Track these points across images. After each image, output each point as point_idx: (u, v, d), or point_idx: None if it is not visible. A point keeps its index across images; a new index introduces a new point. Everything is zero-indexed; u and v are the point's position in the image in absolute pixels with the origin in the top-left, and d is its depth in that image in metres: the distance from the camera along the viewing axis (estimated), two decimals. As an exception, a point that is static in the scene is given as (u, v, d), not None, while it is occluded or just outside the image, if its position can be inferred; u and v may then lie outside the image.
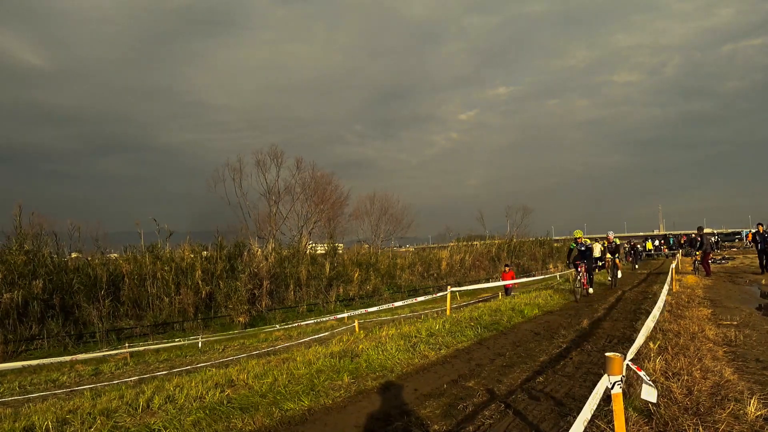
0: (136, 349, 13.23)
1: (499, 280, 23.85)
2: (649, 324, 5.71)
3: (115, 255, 22.42)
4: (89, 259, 20.41)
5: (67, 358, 9.68)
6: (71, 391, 9.53)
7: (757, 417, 4.32)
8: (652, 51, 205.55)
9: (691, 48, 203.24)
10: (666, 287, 10.97)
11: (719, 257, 30.28)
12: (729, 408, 4.47)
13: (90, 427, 4.89)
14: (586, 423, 2.83)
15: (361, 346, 8.34)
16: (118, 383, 9.21)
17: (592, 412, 3.00)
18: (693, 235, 21.94)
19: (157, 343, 15.34)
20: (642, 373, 4.04)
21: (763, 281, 16.93)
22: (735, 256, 33.51)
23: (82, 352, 13.91)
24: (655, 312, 6.75)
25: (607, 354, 3.36)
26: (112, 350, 14.03)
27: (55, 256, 19.08)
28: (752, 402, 4.51)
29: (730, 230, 68.41)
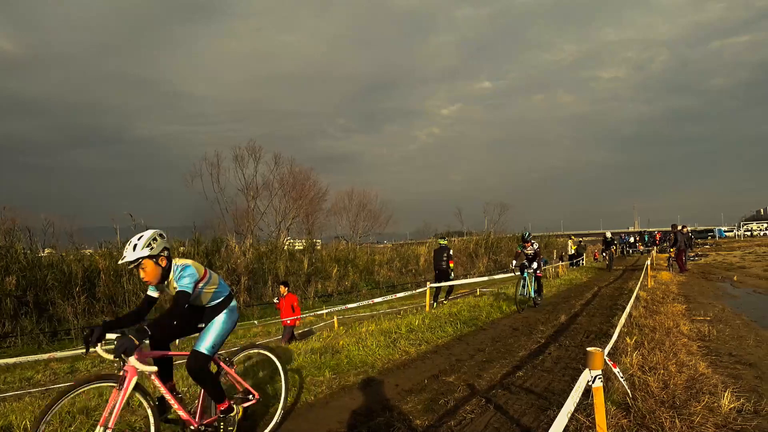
0: (114, 346, 13.07)
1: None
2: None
3: (90, 250, 22.11)
4: (64, 254, 20.09)
5: (44, 356, 9.51)
6: (47, 389, 9.39)
7: (730, 409, 4.43)
8: (641, 46, 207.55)
9: (680, 44, 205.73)
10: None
11: (693, 254, 30.83)
12: (704, 401, 4.58)
13: (69, 426, 4.83)
14: (569, 415, 2.89)
15: (341, 342, 8.35)
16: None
17: (575, 405, 3.06)
18: (673, 233, 22.13)
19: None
20: (617, 370, 4.13)
21: (735, 278, 17.30)
22: (708, 253, 34.16)
23: (56, 350, 13.68)
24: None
25: (588, 349, 3.43)
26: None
27: (29, 251, 18.75)
28: (726, 395, 4.62)
29: (702, 228, 69.77)
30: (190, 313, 4.38)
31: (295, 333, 13.07)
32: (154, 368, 4.14)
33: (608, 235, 28.71)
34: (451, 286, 16.95)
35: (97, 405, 5.47)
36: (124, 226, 23.06)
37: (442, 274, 16.45)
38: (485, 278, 22.40)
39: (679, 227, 21.90)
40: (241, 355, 4.92)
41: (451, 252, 16.87)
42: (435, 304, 14.77)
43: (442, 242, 17.50)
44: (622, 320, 6.70)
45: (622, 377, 4.18)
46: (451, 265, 16.73)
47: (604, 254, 31.64)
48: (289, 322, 12.70)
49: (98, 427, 3.64)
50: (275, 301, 13.53)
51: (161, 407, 4.19)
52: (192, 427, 4.12)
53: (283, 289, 13.30)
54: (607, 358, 3.96)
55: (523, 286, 12.78)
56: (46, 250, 21.14)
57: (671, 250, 21.93)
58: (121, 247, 21.04)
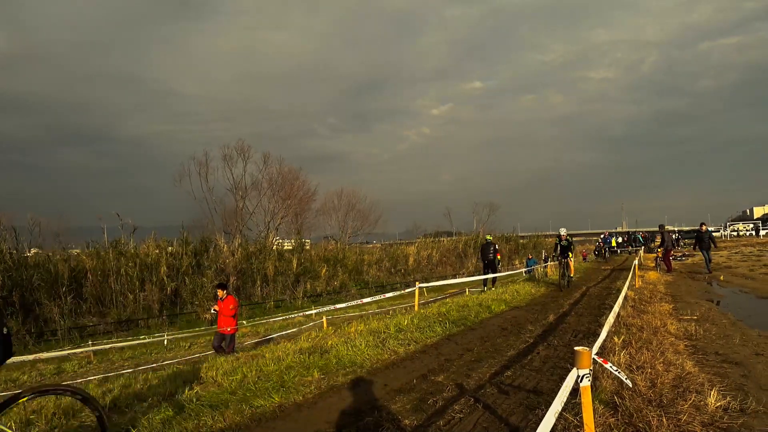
0: (101, 347, 12.97)
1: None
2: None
3: (77, 250, 21.94)
4: (50, 254, 19.92)
5: (30, 357, 9.43)
6: (32, 390, 9.30)
7: (716, 408, 4.46)
8: (631, 47, 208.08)
9: (669, 45, 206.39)
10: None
11: (680, 254, 31.03)
12: (690, 399, 4.61)
13: (55, 428, 4.79)
14: (557, 414, 2.90)
15: (330, 342, 8.34)
16: (82, 382, 9.03)
17: (563, 404, 3.06)
18: (660, 233, 21.76)
19: (121, 341, 15.06)
20: (608, 365, 4.14)
21: (721, 277, 17.44)
22: (695, 253, 34.37)
23: (43, 351, 13.57)
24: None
25: (576, 348, 3.44)
26: (75, 348, 13.73)
27: (14, 251, 18.57)
28: (712, 393, 4.66)
29: (689, 228, 70.23)
30: None
31: (223, 344, 11.51)
32: None
33: (563, 233, 17.72)
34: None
35: (84, 406, 5.43)
36: (111, 225, 22.93)
37: (490, 265, 19.44)
38: (474, 278, 22.50)
39: (703, 227, 20.55)
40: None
41: (497, 246, 20.09)
42: (485, 289, 17.87)
43: (488, 238, 20.97)
44: (610, 319, 6.73)
45: (616, 370, 4.19)
46: (498, 257, 20.47)
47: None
48: (229, 330, 11.39)
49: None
50: (213, 311, 11.69)
51: None
52: None
53: (221, 292, 11.70)
54: (596, 356, 3.97)
55: None
56: (33, 250, 20.95)
57: (659, 250, 22.07)
58: (108, 246, 20.92)
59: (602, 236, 41.66)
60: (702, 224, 20.84)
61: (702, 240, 20.28)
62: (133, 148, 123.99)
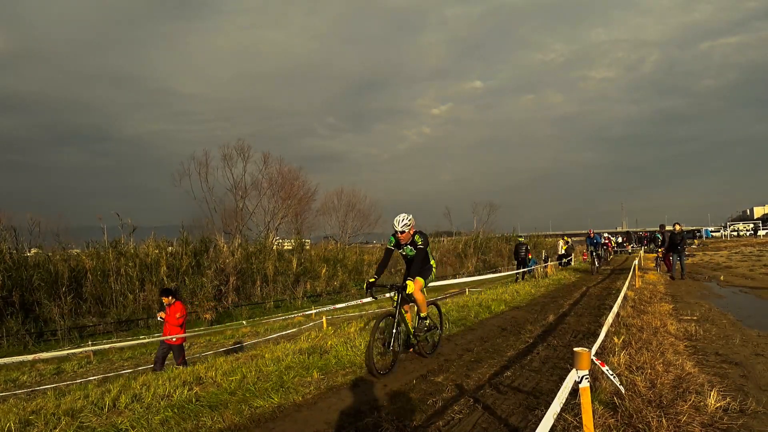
0: (100, 347, 12.96)
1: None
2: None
3: (77, 250, 21.94)
4: (50, 254, 19.91)
5: (29, 357, 9.41)
6: (32, 390, 9.30)
7: (716, 408, 4.46)
8: (632, 47, 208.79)
9: (670, 45, 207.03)
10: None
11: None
12: (690, 400, 4.61)
13: (54, 428, 4.77)
14: (555, 416, 2.89)
15: (329, 342, 8.32)
16: (81, 382, 9.02)
17: (562, 405, 3.06)
18: (661, 233, 21.20)
19: (121, 341, 15.06)
20: (605, 369, 4.14)
21: (722, 277, 17.44)
22: (695, 253, 34.40)
23: (42, 351, 13.56)
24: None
25: (575, 349, 3.44)
26: (75, 348, 13.72)
27: (14, 251, 18.57)
28: (712, 394, 4.65)
29: (689, 228, 70.22)
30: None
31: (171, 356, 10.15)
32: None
33: (399, 227, 7.22)
34: (527, 270, 23.78)
35: (83, 406, 5.43)
36: (111, 225, 22.93)
37: (522, 262, 24.10)
38: (475, 278, 22.56)
39: (677, 227, 18.63)
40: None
41: (528, 247, 25.30)
42: (518, 281, 21.53)
43: (521, 239, 26.01)
44: (609, 320, 6.73)
45: (612, 374, 4.20)
46: (530, 256, 25.57)
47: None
48: (175, 340, 9.88)
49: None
50: (159, 319, 10.19)
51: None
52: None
53: (166, 299, 10.04)
54: (594, 358, 3.96)
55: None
56: (32, 250, 20.93)
57: (659, 250, 22.02)
58: (108, 246, 20.91)
59: (588, 235, 26.09)
60: (675, 224, 18.70)
61: (675, 243, 18.09)
62: (133, 147, 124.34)
